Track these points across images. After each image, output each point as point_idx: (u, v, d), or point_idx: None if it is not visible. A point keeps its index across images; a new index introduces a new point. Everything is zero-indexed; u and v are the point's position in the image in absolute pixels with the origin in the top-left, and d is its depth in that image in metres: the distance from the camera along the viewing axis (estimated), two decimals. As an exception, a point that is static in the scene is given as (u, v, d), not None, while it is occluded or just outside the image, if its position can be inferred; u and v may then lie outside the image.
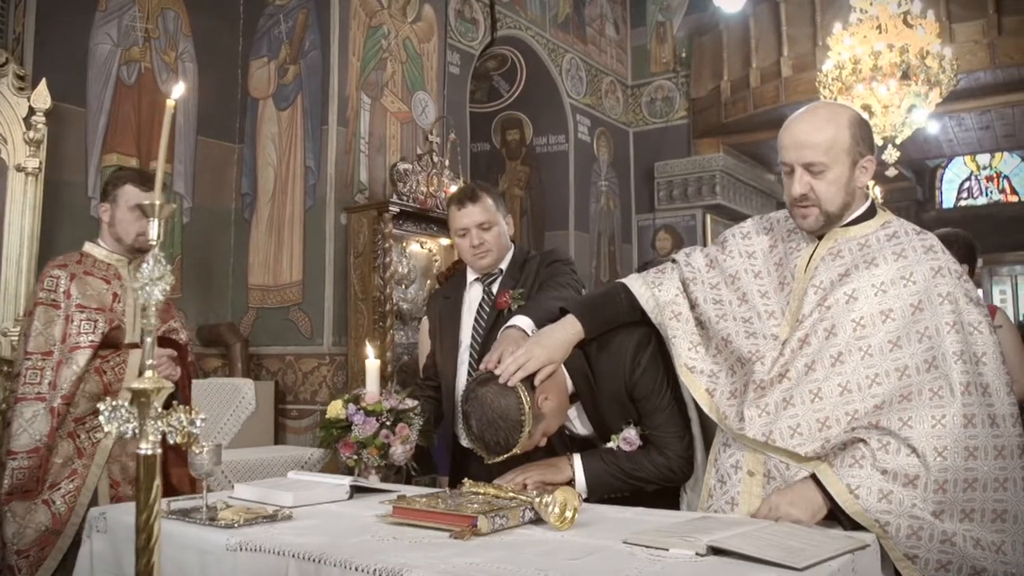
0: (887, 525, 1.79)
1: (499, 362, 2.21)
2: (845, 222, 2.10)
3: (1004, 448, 1.81)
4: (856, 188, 2.06)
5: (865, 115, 7.21)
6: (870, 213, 2.11)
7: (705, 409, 2.13)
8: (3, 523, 2.84)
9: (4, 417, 3.01)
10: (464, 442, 2.84)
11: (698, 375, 2.15)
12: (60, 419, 2.87)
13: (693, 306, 2.24)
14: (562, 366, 2.29)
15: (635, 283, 2.34)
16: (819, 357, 1.96)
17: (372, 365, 2.73)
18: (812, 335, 1.99)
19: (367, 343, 2.88)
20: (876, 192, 13.38)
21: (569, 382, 2.32)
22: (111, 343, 3.02)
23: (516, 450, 2.17)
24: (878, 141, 7.47)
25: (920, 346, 1.89)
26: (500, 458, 2.19)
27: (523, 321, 2.47)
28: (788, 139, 2.06)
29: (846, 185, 2.05)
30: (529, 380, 2.19)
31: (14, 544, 2.81)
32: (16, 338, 3.61)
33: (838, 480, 1.85)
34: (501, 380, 2.16)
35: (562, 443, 2.50)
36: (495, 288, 2.99)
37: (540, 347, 2.22)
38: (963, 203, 14.96)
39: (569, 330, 2.28)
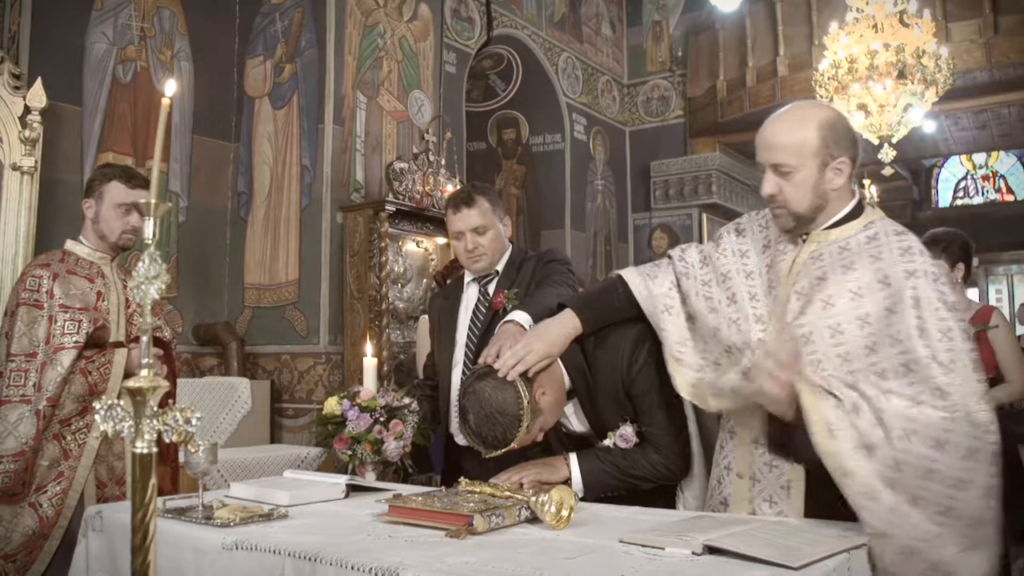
0: (851, 474, 1.78)
1: (497, 356, 2.22)
2: (828, 224, 2.07)
3: (978, 451, 1.78)
4: (828, 190, 2.03)
5: (861, 114, 7.27)
6: (855, 214, 2.08)
7: (686, 396, 2.13)
8: None
9: None
10: (460, 440, 2.85)
11: (685, 367, 2.15)
12: (46, 421, 2.84)
13: (684, 300, 2.25)
14: (559, 361, 2.30)
15: (631, 275, 2.35)
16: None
17: (370, 363, 2.74)
18: None
19: (366, 341, 2.88)
20: (872, 192, 13.40)
21: (566, 378, 2.32)
22: (96, 343, 2.98)
23: (514, 445, 2.17)
24: (874, 140, 7.48)
25: (893, 350, 1.88)
26: (497, 453, 2.19)
27: (521, 316, 2.48)
28: (760, 139, 2.07)
29: (814, 187, 2.02)
30: (527, 374, 2.19)
31: (1, 548, 2.79)
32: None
33: (822, 417, 1.82)
34: (500, 374, 2.16)
35: (559, 441, 2.50)
36: (491, 288, 3.00)
37: (539, 341, 2.22)
38: (959, 202, 14.98)
39: (567, 324, 2.28)
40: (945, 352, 1.81)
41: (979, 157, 14.57)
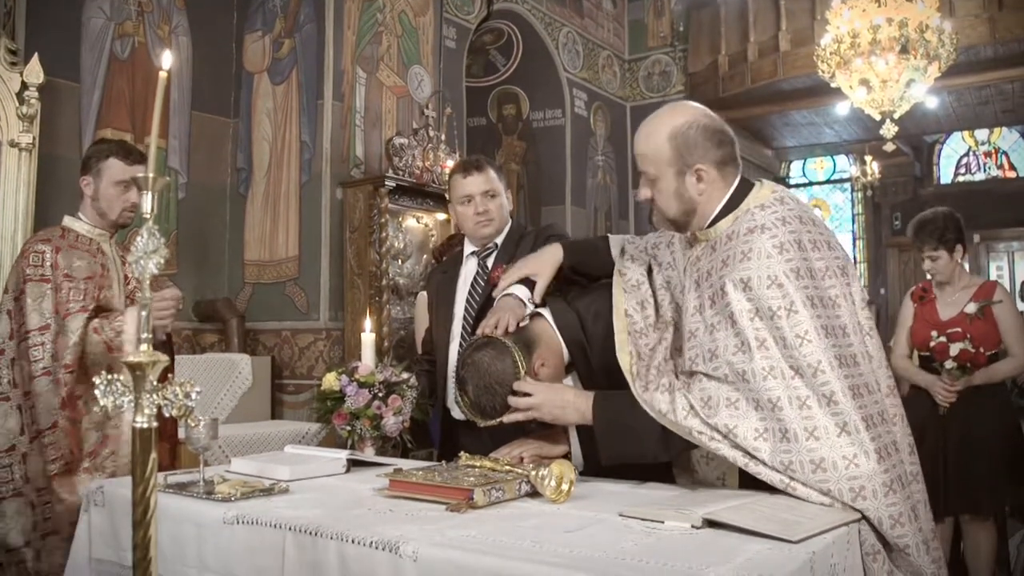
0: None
1: (495, 328, 2.24)
2: (706, 224, 2.06)
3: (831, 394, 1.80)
4: (692, 196, 2.02)
5: (863, 90, 7.22)
6: (728, 208, 2.04)
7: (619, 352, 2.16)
8: (52, 503, 2.84)
9: None
10: (456, 414, 2.85)
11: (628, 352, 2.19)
12: (67, 388, 2.86)
13: (650, 271, 2.29)
14: (558, 334, 2.31)
15: (613, 236, 2.49)
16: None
17: (368, 338, 2.75)
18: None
19: (365, 316, 2.89)
20: (873, 168, 13.35)
21: (565, 352, 2.32)
22: (104, 309, 3.01)
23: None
24: (876, 116, 7.45)
25: (709, 365, 1.90)
26: (494, 422, 2.20)
27: (520, 290, 2.48)
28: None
29: (677, 195, 2.03)
30: (527, 346, 2.20)
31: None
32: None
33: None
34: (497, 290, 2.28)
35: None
36: (490, 263, 3.00)
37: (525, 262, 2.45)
38: (961, 179, 14.90)
39: (552, 249, 2.46)
40: (763, 360, 1.82)
41: (981, 133, 14.47)
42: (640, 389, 2.00)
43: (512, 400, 2.14)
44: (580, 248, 2.50)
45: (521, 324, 2.33)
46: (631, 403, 2.00)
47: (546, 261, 2.43)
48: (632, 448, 2.02)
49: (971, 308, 3.84)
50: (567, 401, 2.11)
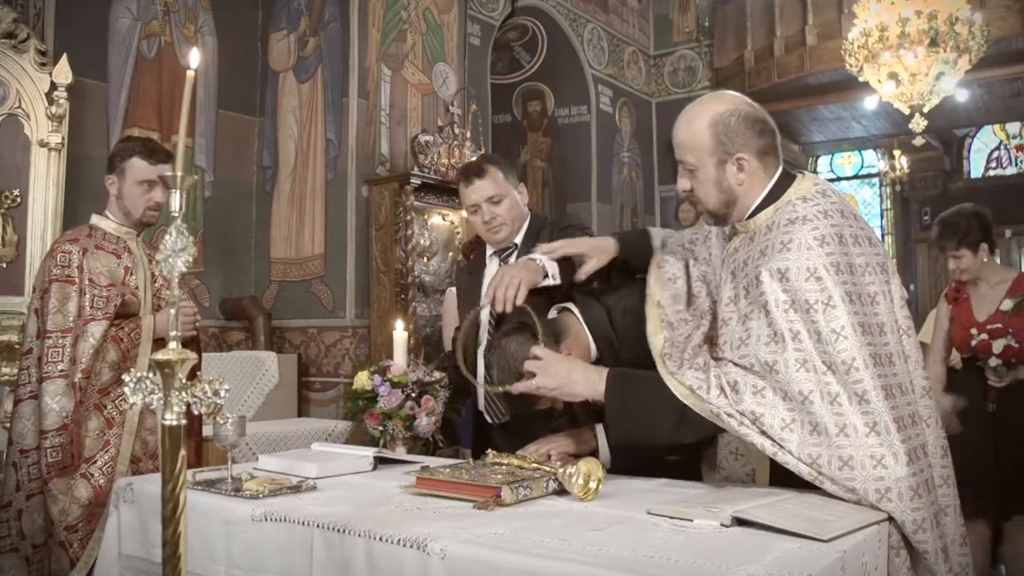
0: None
1: (506, 290, 2.28)
2: (747, 215, 2.04)
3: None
4: (732, 186, 2.00)
5: (892, 84, 7.14)
6: (769, 200, 2.01)
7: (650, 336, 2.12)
8: (47, 502, 2.88)
9: (16, 395, 3.02)
10: (490, 418, 2.84)
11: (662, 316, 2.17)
12: (82, 393, 2.88)
13: (687, 267, 2.27)
14: (586, 328, 2.30)
15: (653, 229, 2.47)
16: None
17: (400, 337, 2.73)
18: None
19: (396, 315, 2.88)
20: (902, 163, 13.21)
21: (593, 347, 2.31)
22: (127, 314, 3.03)
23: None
24: (904, 110, 7.36)
25: (737, 352, 1.89)
26: (500, 389, 2.20)
27: (545, 259, 2.44)
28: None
29: (717, 184, 2.00)
30: (554, 337, 2.20)
31: (62, 521, 2.85)
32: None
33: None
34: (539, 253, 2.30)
35: (585, 413, 2.49)
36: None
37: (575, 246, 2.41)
38: (992, 173, 14.70)
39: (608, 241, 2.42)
40: (795, 351, 1.80)
41: (1013, 127, 14.27)
42: (673, 367, 1.97)
43: (526, 364, 2.12)
44: (630, 241, 2.45)
45: (549, 316, 2.32)
46: (650, 381, 1.96)
47: (603, 248, 2.38)
48: (642, 427, 1.98)
49: (1007, 304, 3.76)
50: (574, 371, 2.07)
